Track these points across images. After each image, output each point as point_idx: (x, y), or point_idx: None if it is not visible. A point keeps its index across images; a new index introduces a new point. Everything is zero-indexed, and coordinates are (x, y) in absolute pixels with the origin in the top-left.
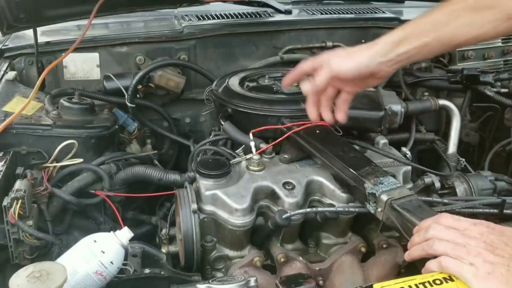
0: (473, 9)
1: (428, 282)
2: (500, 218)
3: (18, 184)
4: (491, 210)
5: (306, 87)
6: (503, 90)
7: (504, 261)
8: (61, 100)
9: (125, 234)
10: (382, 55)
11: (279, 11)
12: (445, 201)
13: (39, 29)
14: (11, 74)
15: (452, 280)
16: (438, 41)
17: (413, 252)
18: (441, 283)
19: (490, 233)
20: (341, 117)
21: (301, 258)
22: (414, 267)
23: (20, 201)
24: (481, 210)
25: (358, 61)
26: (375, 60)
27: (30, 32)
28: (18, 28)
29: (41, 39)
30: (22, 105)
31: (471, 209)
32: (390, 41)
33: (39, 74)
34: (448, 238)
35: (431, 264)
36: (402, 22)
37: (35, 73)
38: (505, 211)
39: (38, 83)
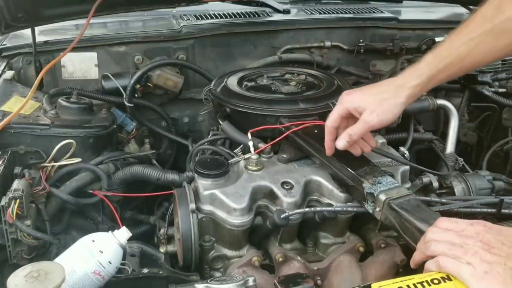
0: (491, 35)
1: (426, 281)
2: (498, 218)
3: (16, 184)
4: (489, 210)
5: (342, 145)
6: (501, 90)
7: (501, 260)
8: (59, 100)
9: (123, 233)
10: (414, 97)
11: (277, 10)
12: (443, 200)
13: (37, 29)
14: (9, 74)
15: (450, 279)
16: (460, 71)
17: (414, 257)
18: (439, 282)
19: (486, 232)
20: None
21: (299, 258)
22: None
23: (18, 200)
24: (479, 209)
25: (395, 113)
26: (408, 103)
27: (28, 31)
28: (16, 28)
29: (39, 38)
30: (20, 105)
31: (469, 208)
32: (419, 82)
33: (37, 73)
34: (445, 239)
35: (429, 264)
36: (400, 22)
37: (33, 73)
38: (503, 210)
39: (36, 82)
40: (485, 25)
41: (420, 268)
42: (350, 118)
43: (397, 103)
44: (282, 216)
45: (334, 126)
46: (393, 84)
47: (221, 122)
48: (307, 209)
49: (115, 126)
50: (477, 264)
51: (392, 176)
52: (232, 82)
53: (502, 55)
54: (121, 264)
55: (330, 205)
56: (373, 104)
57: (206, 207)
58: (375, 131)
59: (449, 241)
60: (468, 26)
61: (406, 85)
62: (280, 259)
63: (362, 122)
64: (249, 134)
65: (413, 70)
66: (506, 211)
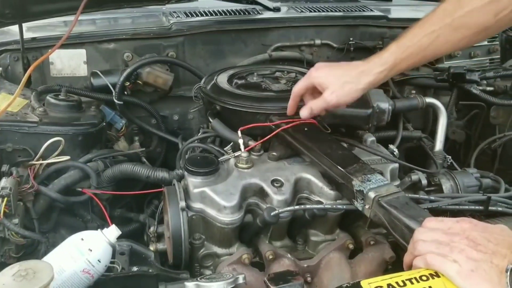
0: (450, 28)
1: (415, 278)
2: (486, 215)
3: (4, 182)
4: (477, 207)
5: (304, 115)
6: (488, 88)
7: (486, 258)
8: (48, 97)
9: (112, 232)
10: (375, 84)
11: (267, 8)
12: (432, 198)
13: (24, 25)
14: None
15: (438, 276)
16: (423, 59)
17: (405, 259)
18: (428, 279)
19: (472, 229)
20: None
21: (289, 255)
22: (401, 263)
23: (5, 199)
24: (467, 207)
25: (353, 97)
26: (368, 88)
27: (15, 28)
28: (3, 24)
29: (27, 35)
30: (8, 102)
31: (457, 206)
32: (382, 69)
33: (25, 70)
34: (432, 238)
35: (417, 261)
36: (389, 20)
37: (21, 70)
38: (490, 208)
39: (24, 79)
40: (445, 19)
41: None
42: (315, 89)
43: (357, 88)
44: (272, 213)
45: (299, 94)
46: (358, 69)
47: (211, 120)
48: (297, 207)
49: (104, 124)
50: (463, 262)
51: (382, 173)
52: (222, 79)
53: (459, 48)
54: (111, 262)
55: (320, 202)
56: (335, 85)
57: (196, 205)
58: (363, 130)
59: (436, 240)
60: (430, 19)
61: (370, 72)
62: (270, 257)
63: (322, 99)
64: (239, 132)
65: (377, 58)
66: (494, 208)
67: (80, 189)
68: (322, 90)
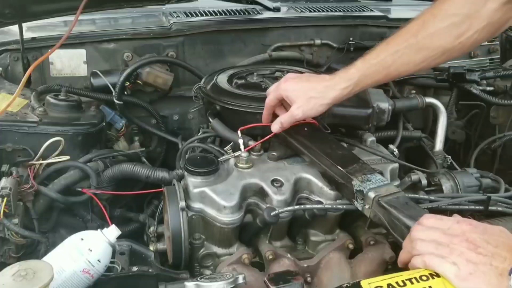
0: (413, 49)
1: (415, 278)
2: (486, 215)
3: (4, 182)
4: (477, 207)
5: (275, 130)
6: (488, 88)
7: (486, 260)
8: (47, 97)
9: (112, 232)
10: (340, 98)
11: (267, 8)
12: (432, 198)
13: (24, 25)
14: None
15: (438, 276)
16: (387, 77)
17: (401, 256)
18: (427, 279)
19: (472, 231)
20: None
21: (289, 255)
22: None
23: (5, 199)
24: (467, 207)
25: (318, 111)
26: (333, 103)
27: (15, 27)
28: (3, 24)
29: (27, 35)
30: (8, 102)
31: (457, 206)
32: (347, 85)
33: (24, 70)
34: (431, 238)
35: (416, 261)
36: (389, 20)
37: (20, 70)
38: (490, 207)
39: (24, 79)
40: (410, 39)
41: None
42: (285, 100)
43: (322, 103)
44: (272, 213)
45: (271, 105)
46: (324, 83)
47: (211, 120)
48: (297, 207)
49: (104, 124)
50: (463, 264)
51: (381, 173)
52: (222, 79)
53: (420, 68)
54: (111, 262)
55: (319, 202)
56: (302, 99)
57: (196, 205)
58: (363, 130)
59: (435, 240)
60: (396, 38)
61: (335, 87)
62: (270, 257)
63: (289, 113)
64: (239, 132)
65: (344, 73)
66: (493, 208)
67: (80, 189)
68: (290, 103)
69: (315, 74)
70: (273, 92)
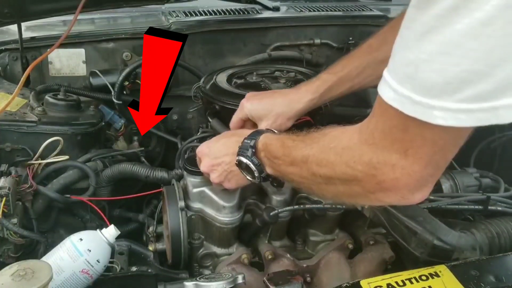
0: (375, 62)
1: (414, 277)
2: (485, 215)
3: (2, 182)
4: (476, 207)
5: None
6: None
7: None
8: (46, 97)
9: (111, 232)
10: (305, 111)
11: (267, 8)
12: (431, 197)
13: (23, 24)
14: None
15: (438, 275)
16: (351, 89)
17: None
18: (427, 278)
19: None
20: None
21: (288, 255)
22: (401, 263)
23: (4, 198)
24: (466, 206)
25: (287, 126)
26: (299, 116)
27: (14, 27)
28: (2, 23)
29: (26, 34)
30: (6, 102)
31: (457, 205)
32: (312, 97)
33: (23, 70)
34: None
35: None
36: (389, 19)
37: (19, 69)
38: (489, 207)
39: (23, 79)
40: (372, 53)
41: (408, 265)
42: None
43: (290, 116)
44: (271, 213)
45: (238, 127)
46: (288, 97)
47: (210, 120)
48: (296, 207)
49: (103, 123)
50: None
51: None
52: (221, 79)
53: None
54: (110, 262)
55: (319, 202)
56: (268, 117)
57: (195, 205)
58: None
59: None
60: (359, 52)
61: (300, 100)
62: (270, 257)
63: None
64: None
65: (308, 86)
66: (493, 208)
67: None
68: (256, 122)
69: (276, 90)
70: (237, 114)
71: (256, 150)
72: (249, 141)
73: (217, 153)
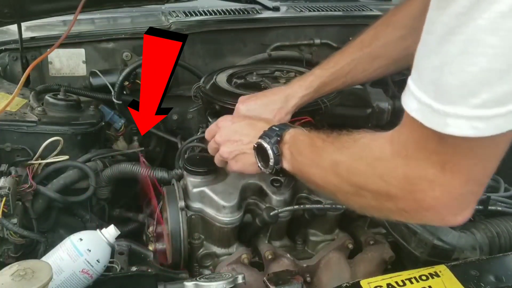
0: (368, 58)
1: (414, 277)
2: (485, 215)
3: (2, 181)
4: (476, 207)
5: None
6: None
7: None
8: (46, 97)
9: (111, 231)
10: (301, 105)
11: (267, 8)
12: None
13: (23, 24)
14: None
15: (437, 275)
16: (344, 84)
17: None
18: (427, 278)
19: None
20: None
21: (288, 255)
22: (401, 263)
23: (4, 198)
24: None
25: (286, 121)
26: (295, 110)
27: (14, 27)
28: (2, 23)
29: (26, 34)
30: (6, 102)
31: None
32: (307, 92)
33: (23, 70)
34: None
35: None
36: None
37: (19, 69)
38: (489, 207)
39: (23, 79)
40: (364, 49)
41: (408, 265)
42: None
43: (287, 111)
44: (271, 213)
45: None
46: (283, 93)
47: (210, 120)
48: (296, 207)
49: (103, 123)
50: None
51: None
52: (221, 79)
53: (376, 76)
54: (110, 262)
55: (319, 202)
56: (266, 114)
57: (195, 205)
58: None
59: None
60: (351, 48)
61: (296, 95)
62: (270, 257)
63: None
64: None
65: (302, 81)
66: (493, 207)
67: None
68: None
69: (268, 89)
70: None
71: (281, 140)
72: (277, 129)
73: (239, 130)
